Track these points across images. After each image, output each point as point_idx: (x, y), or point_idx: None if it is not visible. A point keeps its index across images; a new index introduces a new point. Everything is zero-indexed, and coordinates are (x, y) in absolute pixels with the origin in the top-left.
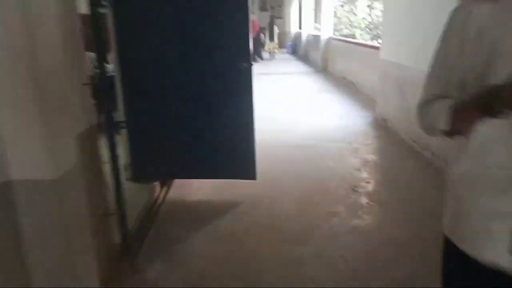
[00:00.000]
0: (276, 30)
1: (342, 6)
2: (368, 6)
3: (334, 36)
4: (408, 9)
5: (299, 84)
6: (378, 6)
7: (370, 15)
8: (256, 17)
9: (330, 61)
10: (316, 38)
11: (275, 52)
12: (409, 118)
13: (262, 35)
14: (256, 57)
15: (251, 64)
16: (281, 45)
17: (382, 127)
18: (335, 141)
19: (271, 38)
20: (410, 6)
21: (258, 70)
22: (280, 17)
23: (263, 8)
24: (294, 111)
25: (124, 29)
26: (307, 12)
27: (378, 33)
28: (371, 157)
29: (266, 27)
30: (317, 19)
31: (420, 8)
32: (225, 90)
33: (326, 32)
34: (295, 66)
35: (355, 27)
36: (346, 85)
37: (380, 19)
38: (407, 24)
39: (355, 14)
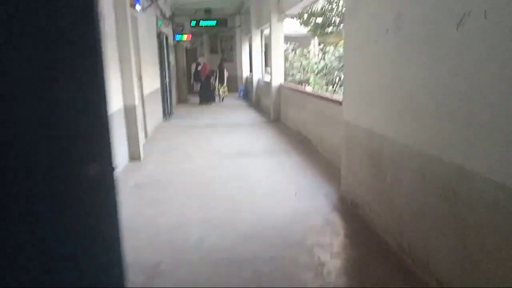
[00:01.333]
0: (225, 73)
1: (293, 50)
2: (321, 49)
3: (286, 84)
4: (386, 52)
5: (247, 141)
6: (333, 50)
7: (324, 59)
8: (205, 59)
9: (283, 111)
10: (267, 84)
11: (225, 95)
12: (393, 208)
13: (212, 78)
14: (208, 100)
15: (113, 168)
16: (232, 89)
17: (352, 216)
18: (288, 246)
19: (221, 81)
20: (390, 47)
21: (203, 120)
22: (231, 60)
23: (213, 50)
24: (237, 188)
25: None
26: (257, 55)
27: (335, 81)
28: (341, 280)
29: (216, 70)
30: (268, 63)
31: (406, 52)
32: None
33: (277, 78)
34: (245, 115)
35: (309, 71)
36: (301, 142)
37: (335, 64)
38: (383, 76)
39: (307, 59)
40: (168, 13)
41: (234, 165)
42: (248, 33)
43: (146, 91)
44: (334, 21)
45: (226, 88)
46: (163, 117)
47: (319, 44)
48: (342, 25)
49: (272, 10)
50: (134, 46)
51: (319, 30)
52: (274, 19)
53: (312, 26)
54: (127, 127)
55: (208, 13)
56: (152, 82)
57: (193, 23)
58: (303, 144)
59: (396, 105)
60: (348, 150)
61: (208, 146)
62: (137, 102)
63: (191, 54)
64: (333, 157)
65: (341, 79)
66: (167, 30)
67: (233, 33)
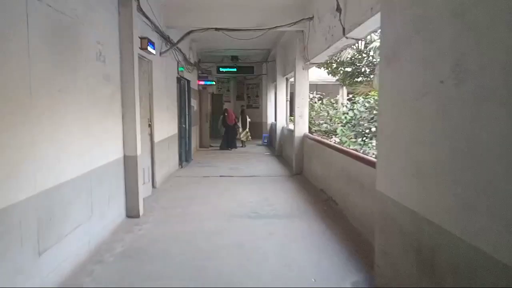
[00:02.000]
0: (247, 119)
1: (320, 99)
2: (350, 99)
3: (310, 135)
4: (445, 109)
5: (264, 198)
6: (362, 100)
7: (352, 109)
8: (232, 105)
9: (307, 164)
10: (291, 133)
11: (247, 140)
12: None
13: (237, 125)
14: (229, 146)
15: None
16: (257, 136)
17: None
18: None
19: (244, 127)
20: (449, 102)
21: (221, 169)
22: (256, 107)
23: (239, 96)
24: (242, 265)
25: None
26: (282, 103)
27: (364, 132)
28: None
29: (239, 116)
30: (292, 111)
31: (477, 108)
32: None
33: (301, 128)
34: (266, 165)
35: (336, 122)
36: (326, 204)
37: (365, 115)
38: (442, 139)
39: (335, 108)
40: (193, 59)
41: (244, 230)
42: (274, 80)
43: (159, 137)
44: (364, 71)
45: (248, 133)
46: (179, 164)
47: (348, 94)
48: (372, 75)
49: (297, 58)
50: (146, 90)
51: (348, 80)
52: (299, 67)
53: (341, 75)
54: (125, 179)
55: (235, 60)
56: (168, 127)
57: (220, 69)
58: (328, 206)
59: (464, 186)
60: (384, 232)
61: (219, 202)
62: (140, 152)
63: (217, 99)
64: (364, 228)
65: (371, 130)
66: (191, 76)
67: (260, 80)
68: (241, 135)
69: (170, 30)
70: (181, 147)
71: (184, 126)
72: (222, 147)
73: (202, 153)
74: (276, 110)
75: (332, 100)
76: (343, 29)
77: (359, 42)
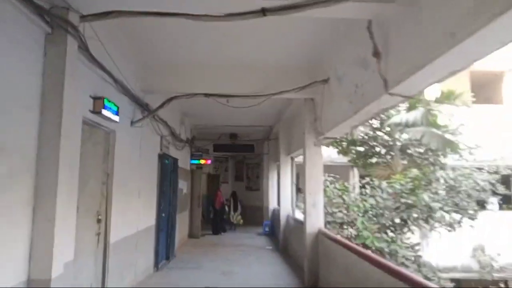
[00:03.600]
0: (238, 203)
1: (332, 182)
2: (365, 184)
3: (328, 233)
4: None
5: None
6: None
7: (373, 196)
8: (228, 187)
9: (324, 272)
10: (299, 226)
11: (238, 223)
12: None
13: (226, 207)
14: (218, 231)
15: None
16: (256, 223)
17: None
18: None
19: (235, 209)
20: None
21: (209, 272)
22: (257, 189)
23: (238, 177)
24: None
25: None
26: (286, 186)
27: (389, 224)
28: None
29: (230, 198)
30: (299, 196)
31: None
32: None
33: (314, 221)
34: (268, 266)
35: (353, 211)
36: None
37: (388, 203)
38: None
39: (348, 193)
40: (185, 135)
41: None
42: (276, 160)
43: (119, 235)
44: (379, 151)
45: (239, 216)
46: (154, 266)
47: (361, 177)
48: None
49: (307, 132)
50: (99, 170)
51: (362, 160)
52: (309, 142)
53: (353, 155)
54: None
55: (233, 138)
56: (137, 219)
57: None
58: None
59: None
60: None
61: None
62: (59, 272)
63: (213, 180)
64: None
65: (394, 222)
66: (182, 154)
67: (261, 159)
68: (233, 218)
69: (149, 96)
70: (158, 243)
71: (163, 215)
72: (214, 232)
73: (191, 245)
74: (279, 194)
75: (346, 184)
76: (385, 82)
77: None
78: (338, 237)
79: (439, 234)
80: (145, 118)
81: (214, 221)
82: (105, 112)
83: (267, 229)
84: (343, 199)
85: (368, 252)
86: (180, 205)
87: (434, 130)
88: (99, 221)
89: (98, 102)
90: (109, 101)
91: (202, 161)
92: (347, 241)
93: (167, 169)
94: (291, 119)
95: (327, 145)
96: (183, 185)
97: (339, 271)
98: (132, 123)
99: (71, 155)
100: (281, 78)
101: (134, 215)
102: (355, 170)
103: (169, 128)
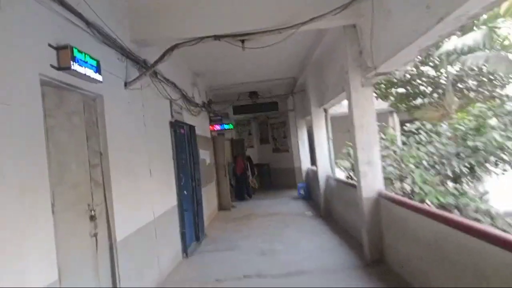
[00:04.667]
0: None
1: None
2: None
3: (394, 196)
4: None
5: None
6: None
7: (430, 143)
8: (255, 151)
9: (391, 243)
10: (346, 187)
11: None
12: None
13: (248, 173)
14: (243, 198)
15: None
16: (289, 185)
17: None
18: None
19: (252, 174)
20: None
21: (247, 256)
22: (285, 150)
23: (263, 140)
24: None
25: None
26: (321, 142)
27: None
28: None
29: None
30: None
31: None
32: None
33: (370, 183)
34: (316, 238)
35: (408, 163)
36: None
37: (450, 149)
38: None
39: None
40: (200, 99)
41: None
42: (305, 115)
43: (130, 228)
44: (423, 90)
45: (255, 180)
46: (183, 252)
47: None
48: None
49: (351, 71)
50: (84, 149)
51: (404, 103)
52: (355, 84)
53: (395, 98)
54: None
55: (253, 97)
56: (152, 203)
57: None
58: None
59: None
60: None
61: None
62: None
63: (238, 146)
64: None
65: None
66: (198, 120)
67: (286, 117)
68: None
69: (146, 51)
70: (184, 225)
71: (185, 192)
72: (239, 198)
73: (222, 219)
74: (313, 153)
75: (391, 130)
76: None
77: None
78: (412, 202)
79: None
80: (142, 76)
81: (238, 188)
82: (77, 67)
83: (302, 192)
84: (393, 150)
85: (463, 219)
86: (204, 177)
87: (502, 52)
88: (93, 218)
89: (64, 53)
90: (81, 52)
91: (216, 127)
92: (424, 206)
93: (183, 139)
94: (322, 61)
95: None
96: (205, 155)
97: (414, 243)
98: (126, 84)
99: (23, 132)
100: (310, 2)
101: (146, 199)
102: (395, 116)
103: (179, 90)
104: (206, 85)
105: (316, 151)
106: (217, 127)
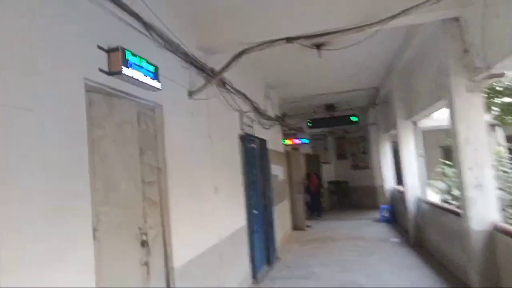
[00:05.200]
0: None
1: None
2: None
3: (510, 227)
4: None
5: None
6: None
7: None
8: (332, 168)
9: None
10: (444, 213)
11: None
12: None
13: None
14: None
15: None
16: (368, 206)
17: None
18: None
19: None
20: None
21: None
22: (365, 167)
23: (341, 155)
24: None
25: None
26: (409, 159)
27: None
28: None
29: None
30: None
31: None
32: None
33: (481, 209)
34: (402, 275)
35: None
36: None
37: None
38: None
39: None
40: (273, 112)
41: None
42: (389, 129)
43: (186, 255)
44: None
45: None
46: (252, 277)
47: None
48: None
49: (453, 74)
50: (147, 165)
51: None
52: (458, 89)
53: (501, 109)
54: None
55: (330, 110)
56: (217, 223)
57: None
58: None
59: None
60: None
61: None
62: None
63: (313, 162)
64: None
65: None
66: (270, 133)
67: (366, 132)
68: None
69: (214, 59)
70: (253, 247)
71: (255, 211)
72: (311, 217)
73: (296, 241)
74: (399, 171)
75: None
76: None
77: None
78: None
79: None
80: (207, 84)
81: (313, 205)
82: (129, 72)
83: (385, 214)
84: (503, 171)
85: None
86: (276, 194)
87: None
88: (144, 243)
89: (115, 56)
90: (135, 55)
91: (288, 142)
92: None
93: (254, 153)
94: (410, 67)
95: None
96: (277, 171)
97: None
98: (190, 93)
99: (61, 143)
100: None
101: (211, 220)
102: (499, 131)
103: (250, 102)
104: (280, 97)
105: (404, 170)
106: (295, 141)
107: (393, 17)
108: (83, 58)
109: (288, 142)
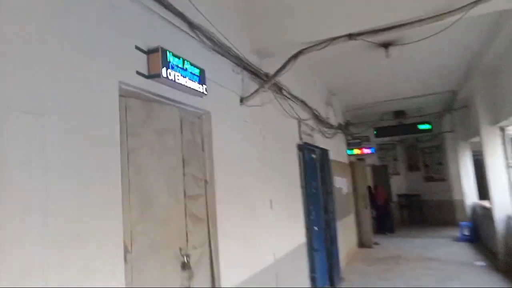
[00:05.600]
0: None
1: None
2: None
3: None
4: None
5: None
6: None
7: None
8: (402, 179)
9: None
10: None
11: None
12: None
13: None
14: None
15: None
16: (444, 223)
17: None
18: None
19: None
20: None
21: None
22: (441, 179)
23: (412, 166)
24: None
25: None
26: (495, 171)
27: None
28: None
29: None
30: None
31: None
32: None
33: None
34: None
35: None
36: None
37: None
38: None
39: None
40: (336, 120)
41: None
42: (469, 136)
43: (236, 277)
44: None
45: None
46: None
47: None
48: None
49: None
50: (192, 177)
51: None
52: None
53: None
54: None
55: (399, 117)
56: (272, 241)
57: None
58: None
59: None
60: None
61: None
62: None
63: (380, 173)
64: None
65: None
66: (332, 143)
67: (441, 140)
68: None
69: (269, 61)
70: (314, 267)
71: (316, 228)
72: (379, 232)
73: (362, 260)
74: (483, 184)
75: None
76: None
77: None
78: None
79: None
80: (260, 90)
81: (380, 220)
82: (170, 74)
83: (466, 232)
84: None
85: None
86: (340, 209)
87: None
88: (185, 265)
89: (154, 58)
90: (177, 57)
91: (356, 151)
92: None
93: (314, 164)
94: (497, 64)
95: None
96: (341, 183)
97: None
98: (242, 100)
99: (88, 153)
100: None
101: (265, 237)
102: None
103: (309, 110)
104: (343, 105)
105: (490, 183)
106: (364, 150)
107: (477, 1)
108: (119, 59)
109: (356, 151)
